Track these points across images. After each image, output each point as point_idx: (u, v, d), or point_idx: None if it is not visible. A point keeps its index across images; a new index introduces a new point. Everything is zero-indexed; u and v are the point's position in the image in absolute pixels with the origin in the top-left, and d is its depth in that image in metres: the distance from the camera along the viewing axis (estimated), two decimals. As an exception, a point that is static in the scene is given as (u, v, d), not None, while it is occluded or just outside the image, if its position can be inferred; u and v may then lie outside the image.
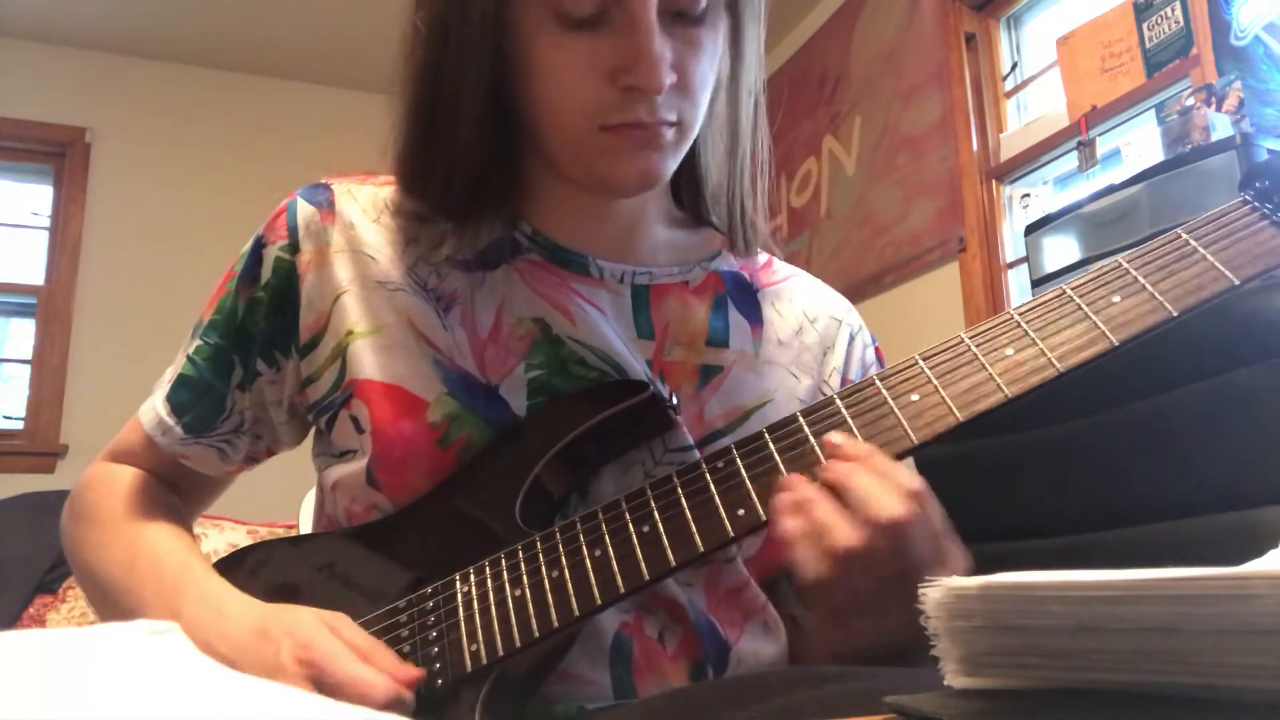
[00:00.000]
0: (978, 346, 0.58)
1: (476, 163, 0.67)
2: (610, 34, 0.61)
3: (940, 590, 0.33)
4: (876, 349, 0.82)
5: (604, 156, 0.65)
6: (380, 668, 0.57)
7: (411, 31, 0.67)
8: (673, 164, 0.68)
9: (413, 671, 0.58)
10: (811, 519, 0.55)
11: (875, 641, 0.57)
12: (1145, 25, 2.17)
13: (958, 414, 0.57)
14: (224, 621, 0.62)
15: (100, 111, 3.81)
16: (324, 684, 0.56)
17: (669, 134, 0.65)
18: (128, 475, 0.77)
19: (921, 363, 0.59)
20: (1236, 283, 0.55)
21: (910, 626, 0.53)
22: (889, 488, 0.54)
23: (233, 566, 0.72)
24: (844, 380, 0.77)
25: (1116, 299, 0.57)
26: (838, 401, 0.60)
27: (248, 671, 0.33)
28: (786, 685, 0.45)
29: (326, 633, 0.58)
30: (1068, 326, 0.57)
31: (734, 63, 0.70)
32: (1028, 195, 2.67)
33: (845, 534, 0.53)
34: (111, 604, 0.71)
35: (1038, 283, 2.04)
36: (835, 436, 0.58)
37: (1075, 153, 2.28)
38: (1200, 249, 0.57)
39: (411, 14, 0.68)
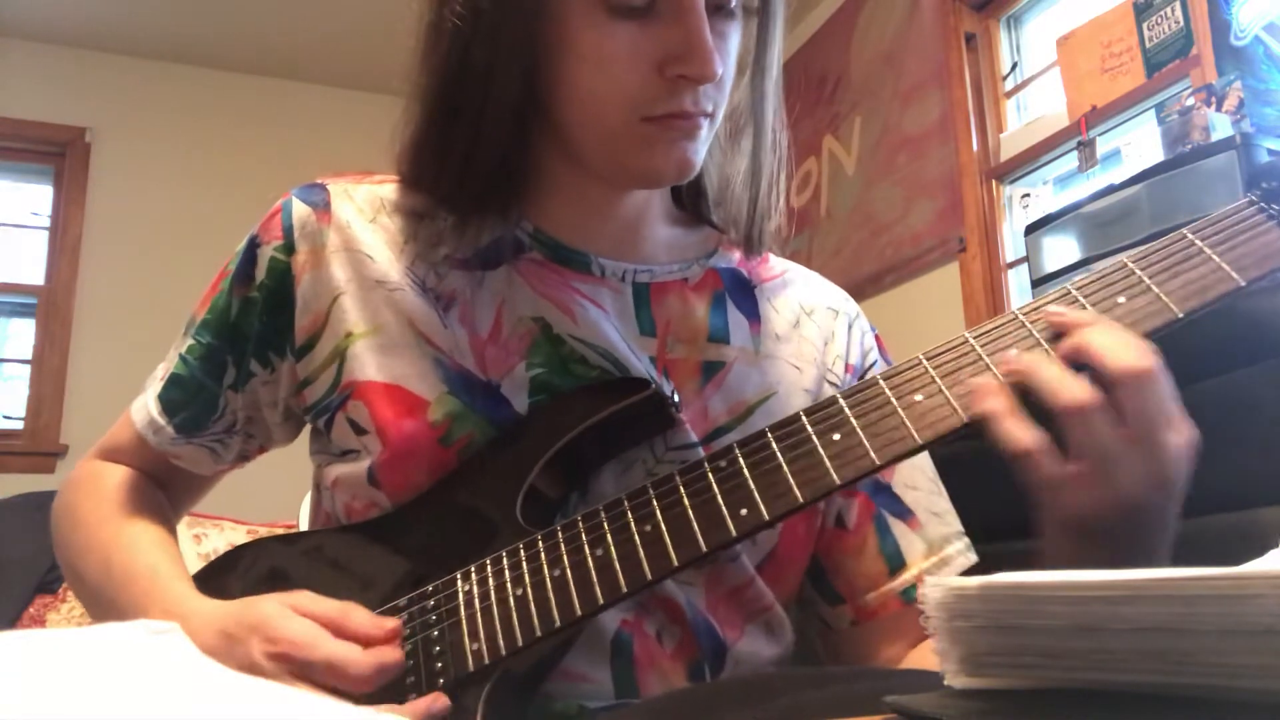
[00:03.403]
0: (982, 346, 0.58)
1: (495, 154, 0.66)
2: (659, 23, 0.61)
3: (940, 590, 0.33)
4: (876, 336, 0.81)
5: (642, 148, 0.64)
6: (356, 633, 0.58)
7: (437, 15, 0.65)
8: (704, 154, 0.68)
9: (389, 624, 0.59)
10: (1033, 379, 0.52)
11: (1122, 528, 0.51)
12: (1145, 25, 2.17)
13: (962, 414, 0.56)
14: (186, 629, 0.62)
15: (100, 111, 3.81)
16: (305, 675, 0.56)
17: (705, 124, 0.65)
18: (115, 475, 0.76)
19: (925, 362, 0.59)
20: (1242, 284, 0.55)
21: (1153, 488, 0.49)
22: (1125, 341, 0.51)
23: (225, 568, 0.71)
24: (848, 366, 0.77)
25: (1122, 299, 0.57)
26: (841, 401, 0.59)
27: None
28: (790, 685, 0.45)
29: (291, 618, 0.58)
30: None
31: (761, 55, 0.70)
32: (1028, 195, 2.67)
33: (1071, 388, 0.51)
34: (95, 606, 0.71)
35: (1038, 283, 2.04)
36: (1055, 308, 0.56)
37: (1075, 153, 2.28)
38: (1206, 249, 0.57)
39: None
